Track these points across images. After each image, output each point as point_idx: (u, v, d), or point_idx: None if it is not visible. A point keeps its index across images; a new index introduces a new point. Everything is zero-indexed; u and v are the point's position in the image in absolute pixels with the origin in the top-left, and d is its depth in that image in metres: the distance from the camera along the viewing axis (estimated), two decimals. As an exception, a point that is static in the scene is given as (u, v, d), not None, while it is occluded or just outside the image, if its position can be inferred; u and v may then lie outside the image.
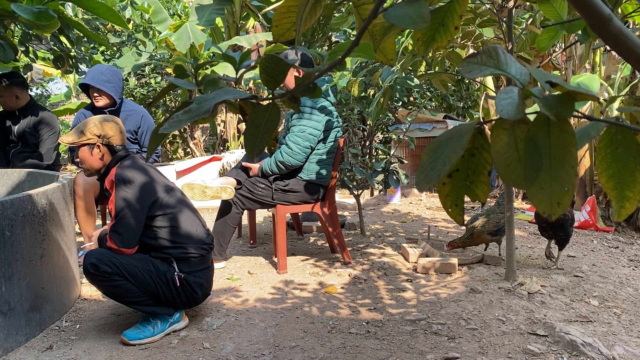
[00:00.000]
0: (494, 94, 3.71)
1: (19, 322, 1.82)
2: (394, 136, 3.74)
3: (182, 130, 7.76)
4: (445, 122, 5.62)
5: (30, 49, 3.42)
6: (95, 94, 3.02)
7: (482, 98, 5.24)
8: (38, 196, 1.95)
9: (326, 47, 6.72)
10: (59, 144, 3.45)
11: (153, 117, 6.01)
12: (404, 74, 2.96)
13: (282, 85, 2.85)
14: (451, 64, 2.43)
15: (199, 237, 1.99)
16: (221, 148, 8.00)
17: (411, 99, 6.12)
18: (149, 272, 1.87)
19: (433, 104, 6.19)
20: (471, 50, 2.57)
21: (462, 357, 1.71)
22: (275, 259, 2.90)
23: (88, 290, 2.50)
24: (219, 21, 7.56)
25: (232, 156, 5.21)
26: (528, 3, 2.52)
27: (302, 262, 2.94)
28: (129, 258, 1.87)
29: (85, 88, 3.15)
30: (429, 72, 2.60)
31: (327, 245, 3.36)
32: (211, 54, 6.73)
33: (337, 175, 3.12)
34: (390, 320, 2.05)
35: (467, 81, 6.14)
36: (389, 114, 4.94)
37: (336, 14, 3.70)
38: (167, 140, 8.42)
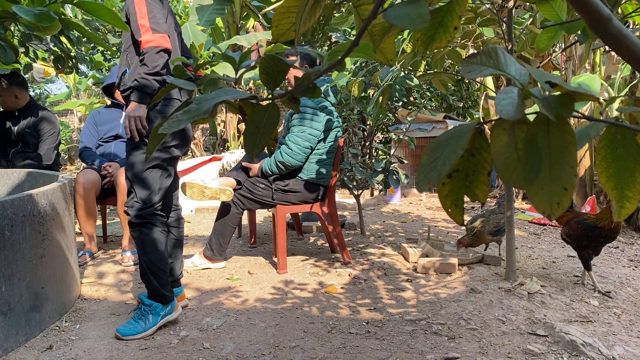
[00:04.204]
0: (494, 94, 3.72)
1: (19, 322, 1.82)
2: (394, 136, 3.74)
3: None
4: (445, 122, 5.62)
5: (30, 48, 3.42)
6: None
7: (482, 98, 5.24)
8: (38, 196, 1.95)
9: (326, 47, 6.72)
10: (59, 143, 3.46)
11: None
12: (403, 73, 2.96)
13: (287, 78, 2.86)
14: (451, 63, 2.43)
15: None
16: (221, 148, 8.00)
17: (411, 99, 6.11)
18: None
19: (433, 104, 6.18)
20: (471, 50, 2.57)
21: (462, 357, 1.71)
22: (275, 259, 2.90)
23: (88, 290, 2.50)
24: (219, 21, 7.56)
25: (232, 156, 5.20)
26: (528, 3, 2.52)
27: (302, 262, 2.94)
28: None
29: (106, 89, 3.33)
30: (429, 72, 2.60)
31: (327, 245, 3.36)
32: (211, 54, 6.73)
33: (337, 175, 3.12)
34: (390, 320, 2.05)
35: (467, 81, 6.14)
36: (389, 114, 4.93)
37: (336, 14, 3.70)
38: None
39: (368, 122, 3.96)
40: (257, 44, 6.56)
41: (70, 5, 4.00)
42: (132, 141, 1.95)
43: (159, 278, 1.96)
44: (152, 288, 1.96)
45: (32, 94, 10.28)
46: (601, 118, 0.60)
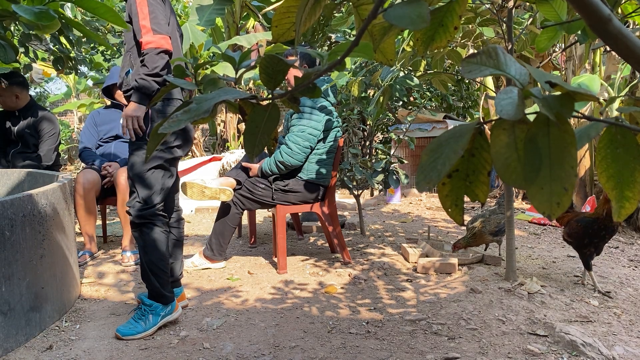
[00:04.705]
0: (494, 94, 3.72)
1: (19, 322, 1.82)
2: (394, 136, 3.74)
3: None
4: (445, 122, 5.62)
5: (30, 48, 3.42)
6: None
7: (482, 98, 5.24)
8: (38, 196, 1.95)
9: (326, 47, 6.72)
10: (59, 144, 3.46)
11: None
12: (402, 73, 2.96)
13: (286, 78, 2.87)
14: (451, 63, 2.43)
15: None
16: (221, 148, 7.99)
17: (411, 99, 6.11)
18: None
19: (433, 104, 6.18)
20: (471, 50, 2.57)
21: (462, 357, 1.71)
22: (275, 259, 2.90)
23: (88, 290, 2.50)
24: (219, 21, 7.56)
25: (232, 156, 5.20)
26: (528, 3, 2.52)
27: (302, 262, 2.94)
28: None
29: (106, 90, 3.34)
30: (429, 72, 2.59)
31: (327, 245, 3.36)
32: (211, 54, 6.73)
33: (337, 175, 3.12)
34: (390, 320, 2.05)
35: (467, 81, 6.13)
36: (389, 114, 4.93)
37: (336, 14, 3.70)
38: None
39: (368, 122, 3.96)
40: (257, 44, 6.57)
41: (69, 6, 4.00)
42: (135, 141, 1.95)
43: (159, 278, 1.96)
44: (152, 288, 1.96)
45: (32, 93, 10.30)
46: (601, 118, 0.60)
